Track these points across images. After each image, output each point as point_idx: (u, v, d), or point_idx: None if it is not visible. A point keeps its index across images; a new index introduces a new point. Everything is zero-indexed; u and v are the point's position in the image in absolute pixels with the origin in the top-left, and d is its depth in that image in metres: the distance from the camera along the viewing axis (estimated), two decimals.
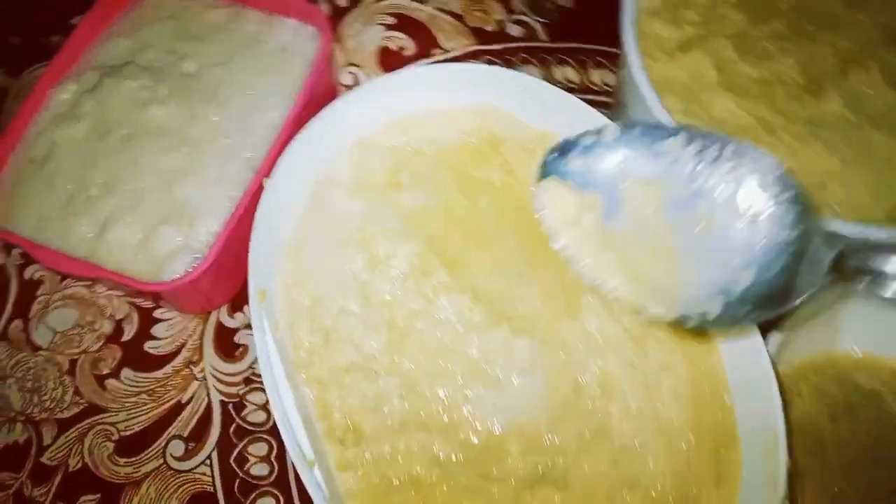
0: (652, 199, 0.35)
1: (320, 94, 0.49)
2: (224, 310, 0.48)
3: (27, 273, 0.49)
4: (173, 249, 0.44)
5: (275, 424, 0.34)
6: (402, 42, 0.57)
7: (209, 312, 0.48)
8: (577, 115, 0.42)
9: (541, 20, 0.58)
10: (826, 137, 0.44)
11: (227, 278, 0.47)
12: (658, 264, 0.34)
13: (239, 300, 0.48)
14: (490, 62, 0.56)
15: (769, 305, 0.31)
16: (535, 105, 0.44)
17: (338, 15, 0.58)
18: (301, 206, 0.42)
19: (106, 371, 0.46)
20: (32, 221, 0.46)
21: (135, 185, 0.46)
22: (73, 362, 0.46)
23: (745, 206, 0.32)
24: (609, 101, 0.55)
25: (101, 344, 0.47)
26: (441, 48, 0.57)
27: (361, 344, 0.38)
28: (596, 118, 0.42)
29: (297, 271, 0.40)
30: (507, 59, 0.56)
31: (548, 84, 0.43)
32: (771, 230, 0.32)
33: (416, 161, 0.44)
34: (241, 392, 0.45)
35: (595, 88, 0.55)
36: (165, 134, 0.48)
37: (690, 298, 0.33)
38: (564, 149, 0.35)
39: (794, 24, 0.48)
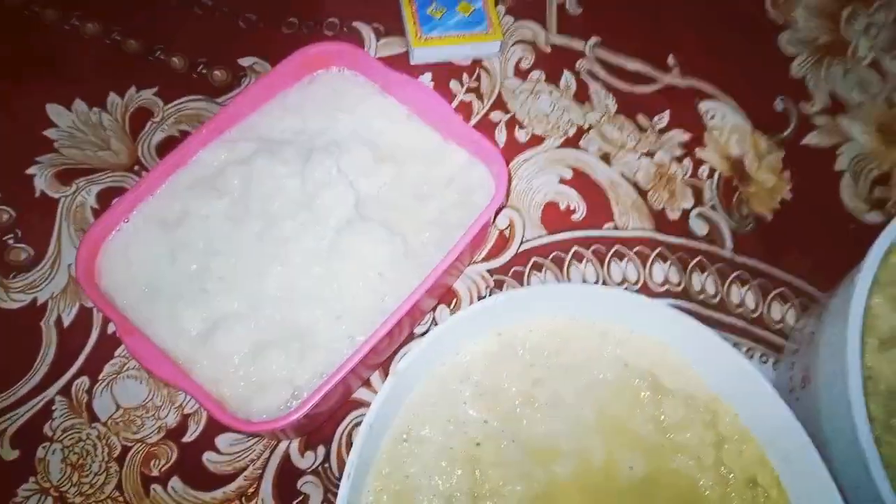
0: None
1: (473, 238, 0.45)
2: (296, 443, 0.44)
3: (111, 327, 0.47)
4: (273, 379, 0.42)
5: None
6: (574, 202, 0.53)
7: (279, 441, 0.44)
8: (749, 387, 0.37)
9: (732, 223, 0.53)
10: None
11: (312, 421, 0.43)
12: None
13: (314, 438, 0.45)
14: (663, 256, 0.51)
15: None
16: (710, 361, 0.39)
17: (513, 149, 0.54)
18: (417, 395, 0.38)
19: (155, 472, 0.44)
20: (142, 287, 0.44)
21: (257, 292, 0.43)
22: (125, 449, 0.44)
23: None
24: (780, 345, 0.49)
25: (160, 437, 0.45)
26: (613, 222, 0.52)
27: None
28: (777, 405, 0.36)
29: (391, 477, 0.36)
30: (681, 258, 0.51)
31: (721, 340, 0.38)
32: None
33: (559, 380, 0.39)
34: None
35: (771, 325, 0.50)
36: (303, 243, 0.44)
37: None
38: None
39: None
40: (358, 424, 0.46)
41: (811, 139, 0.57)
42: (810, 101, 0.58)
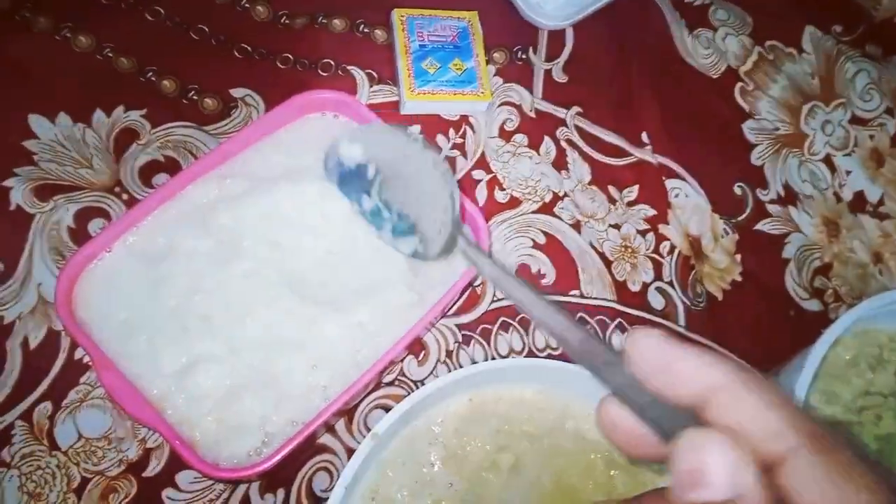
0: None
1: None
2: (256, 486, 0.45)
3: (78, 352, 0.47)
4: (246, 424, 0.43)
5: None
6: (545, 267, 0.55)
7: (239, 482, 0.45)
8: None
9: (685, 300, 0.56)
10: None
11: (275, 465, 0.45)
12: None
13: (275, 481, 0.46)
14: (622, 327, 0.54)
15: None
16: None
17: (492, 209, 0.56)
18: (388, 454, 0.40)
19: None
20: (121, 320, 0.44)
21: (237, 335, 0.44)
22: (84, 481, 0.44)
23: None
24: None
25: (120, 471, 0.45)
26: (579, 290, 0.55)
27: None
28: None
29: None
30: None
31: None
32: None
33: (522, 447, 0.42)
34: None
35: None
36: (286, 290, 0.45)
37: None
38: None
39: None
40: (319, 469, 0.47)
41: (764, 226, 0.62)
42: (766, 188, 0.63)
